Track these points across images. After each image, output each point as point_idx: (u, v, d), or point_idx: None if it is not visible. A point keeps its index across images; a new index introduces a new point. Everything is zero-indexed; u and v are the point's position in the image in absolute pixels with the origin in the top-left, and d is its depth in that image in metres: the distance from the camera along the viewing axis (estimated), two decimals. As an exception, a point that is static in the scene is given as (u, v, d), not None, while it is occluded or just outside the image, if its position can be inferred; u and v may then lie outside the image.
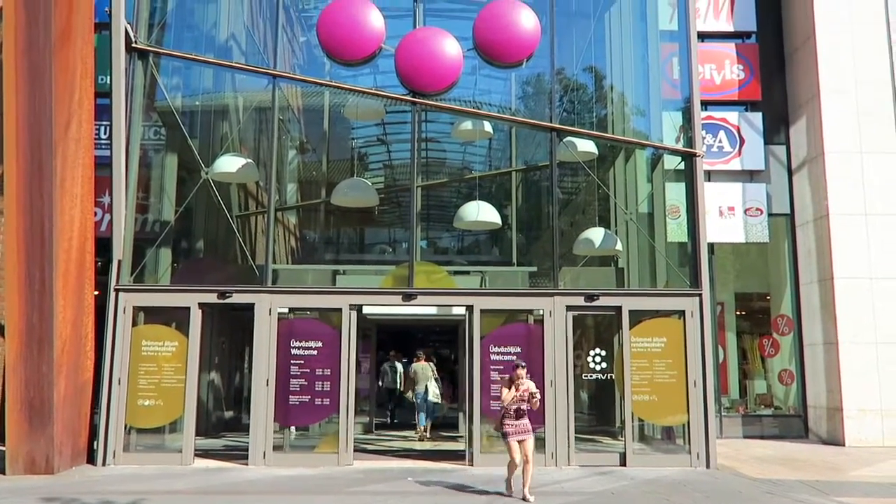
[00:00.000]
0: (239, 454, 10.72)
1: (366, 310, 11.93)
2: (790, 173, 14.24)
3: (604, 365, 10.91)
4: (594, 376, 10.98)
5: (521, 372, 8.47)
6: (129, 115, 10.84)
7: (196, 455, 10.38)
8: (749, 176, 14.14)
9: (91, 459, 10.23)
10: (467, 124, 12.46)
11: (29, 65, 9.35)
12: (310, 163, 16.45)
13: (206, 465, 10.22)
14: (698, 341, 10.65)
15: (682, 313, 10.78)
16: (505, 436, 8.39)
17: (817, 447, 12.62)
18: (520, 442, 8.31)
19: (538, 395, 8.36)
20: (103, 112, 11.38)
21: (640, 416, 10.96)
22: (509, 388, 8.44)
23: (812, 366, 13.58)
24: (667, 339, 10.76)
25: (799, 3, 14.11)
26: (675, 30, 12.54)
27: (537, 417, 10.44)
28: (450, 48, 11.20)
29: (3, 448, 9.67)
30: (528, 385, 8.40)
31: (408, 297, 10.80)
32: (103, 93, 11.16)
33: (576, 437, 10.61)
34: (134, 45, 10.95)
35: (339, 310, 10.65)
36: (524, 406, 8.39)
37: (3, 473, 9.32)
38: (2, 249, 11.78)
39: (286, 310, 10.82)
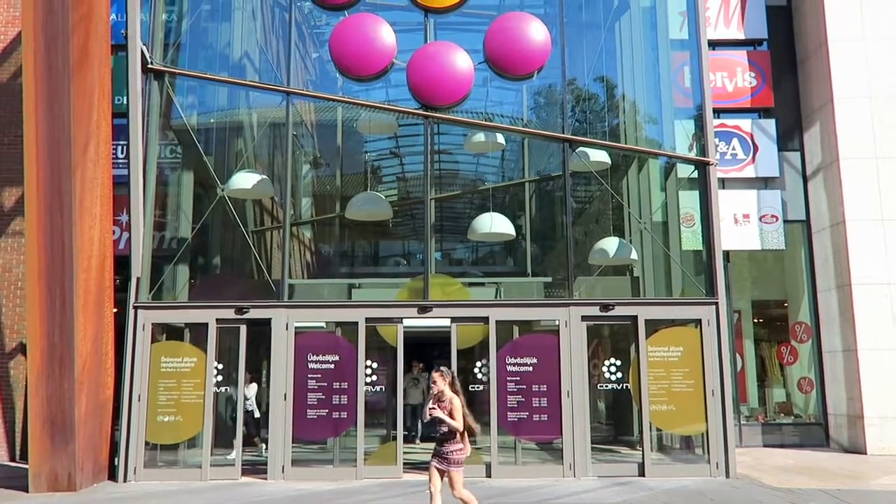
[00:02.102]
0: (258, 468, 10.77)
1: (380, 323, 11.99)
2: (805, 180, 14.17)
3: (620, 375, 10.88)
4: (610, 386, 10.96)
5: (436, 377, 6.92)
6: (146, 134, 11.00)
7: (215, 469, 10.44)
8: (763, 183, 14.08)
9: (112, 476, 10.33)
10: (480, 136, 12.52)
11: (48, 88, 9.52)
12: (324, 177, 16.57)
13: (225, 481, 10.28)
14: (715, 350, 10.61)
15: (698, 322, 10.75)
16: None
17: (838, 456, 12.49)
18: (439, 471, 6.81)
19: (438, 411, 6.72)
20: (121, 132, 11.55)
21: (658, 426, 10.92)
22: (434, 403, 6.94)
23: (832, 373, 13.46)
24: (683, 348, 10.72)
25: (810, 10, 14.09)
26: (686, 38, 12.56)
27: (554, 428, 10.47)
28: (461, 62, 11.28)
29: (25, 466, 9.78)
30: (449, 396, 6.81)
31: (423, 310, 10.84)
32: (120, 113, 11.33)
33: (593, 448, 10.58)
34: (150, 65, 11.13)
35: (356, 323, 10.71)
36: (444, 427, 6.77)
37: (27, 491, 9.43)
38: (23, 269, 11.97)
39: (303, 323, 10.91)
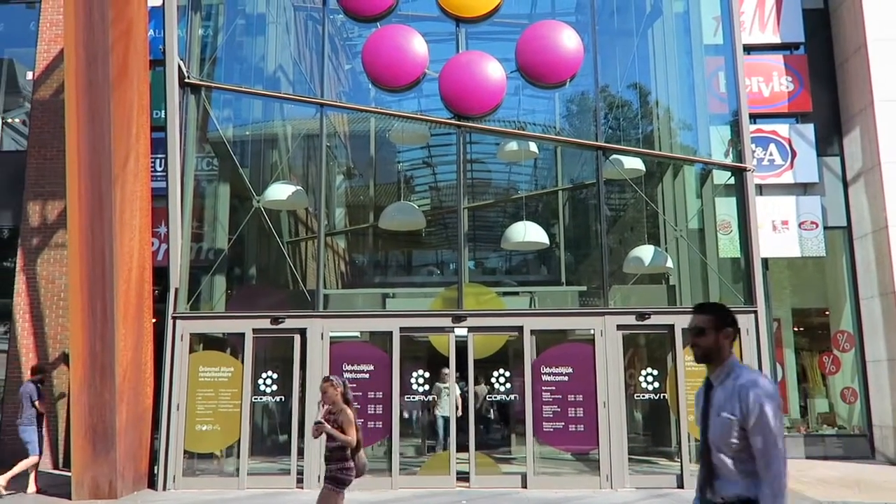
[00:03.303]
0: (293, 478, 10.81)
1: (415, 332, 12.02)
2: (845, 185, 13.88)
3: (657, 384, 10.74)
4: (647, 396, 10.82)
5: (326, 387, 6.30)
6: (184, 147, 11.20)
7: (252, 478, 10.53)
8: (802, 189, 13.82)
9: (151, 484, 10.47)
10: (512, 145, 12.50)
11: (89, 103, 9.74)
12: (357, 187, 16.70)
13: (262, 490, 10.35)
14: (755, 359, 10.42)
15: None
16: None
17: (884, 468, 12.16)
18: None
19: (327, 426, 6.11)
20: (159, 145, 11.77)
21: (697, 437, 10.73)
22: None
23: (876, 383, 13.12)
24: (722, 357, 10.52)
25: (849, 13, 13.84)
26: (721, 43, 12.44)
27: (590, 438, 10.36)
28: (493, 71, 11.30)
29: (68, 474, 9.97)
30: (340, 407, 6.23)
31: (457, 319, 10.83)
32: (158, 127, 11.55)
33: (630, 459, 10.45)
34: (187, 80, 11.33)
35: (390, 333, 10.74)
36: (333, 443, 6.15)
37: (69, 499, 9.59)
38: (65, 281, 12.24)
39: (338, 333, 10.97)
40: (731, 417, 3.32)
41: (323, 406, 6.32)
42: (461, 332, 10.91)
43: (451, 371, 10.83)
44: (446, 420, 11.25)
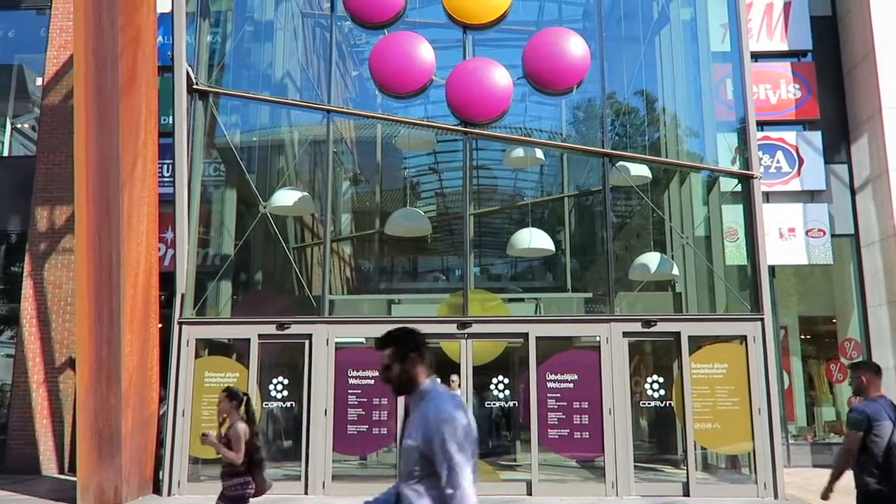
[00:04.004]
0: (299, 483, 10.81)
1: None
2: (853, 193, 13.83)
3: (663, 392, 10.70)
4: (653, 403, 10.77)
5: (221, 398, 5.97)
6: (191, 153, 11.24)
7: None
8: (810, 196, 13.78)
9: (157, 490, 10.47)
10: (519, 151, 12.50)
11: (97, 109, 9.78)
12: (363, 193, 16.73)
13: (268, 495, 10.31)
14: (762, 367, 10.37)
15: (743, 338, 10.52)
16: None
17: (893, 477, 12.06)
18: None
19: (212, 439, 5.79)
20: (166, 151, 11.82)
21: (703, 445, 10.69)
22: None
23: (884, 391, 13.02)
24: (728, 364, 10.50)
25: (857, 20, 13.81)
26: (728, 51, 12.41)
27: (596, 446, 10.32)
28: (500, 77, 11.31)
29: (73, 479, 9.98)
30: (232, 422, 5.87)
31: (463, 326, 10.82)
32: (166, 133, 11.60)
33: (636, 466, 10.40)
34: (195, 86, 11.38)
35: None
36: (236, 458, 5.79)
37: None
38: (72, 286, 12.28)
39: (343, 339, 10.97)
40: (413, 444, 3.09)
41: (221, 418, 5.98)
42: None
43: (462, 377, 10.78)
44: None
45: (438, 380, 3.33)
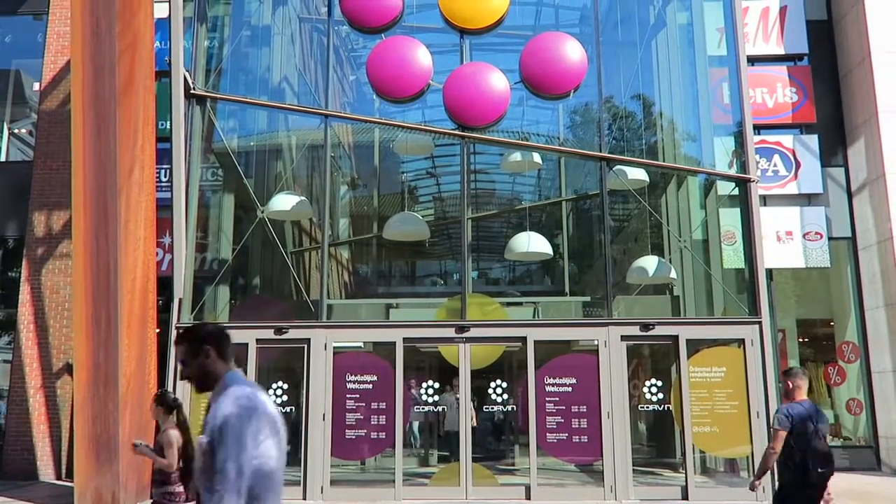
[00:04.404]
0: (296, 488, 10.78)
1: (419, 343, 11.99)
2: (850, 196, 13.86)
3: (661, 395, 10.70)
4: (651, 407, 10.78)
5: (153, 403, 5.92)
6: (189, 158, 11.24)
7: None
8: (807, 199, 13.81)
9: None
10: (516, 156, 12.52)
11: (95, 114, 9.78)
12: (361, 198, 16.73)
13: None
14: (759, 370, 10.38)
15: (741, 342, 10.53)
16: None
17: (890, 479, 12.08)
18: None
19: (143, 445, 5.80)
20: (164, 156, 11.82)
21: (701, 448, 10.70)
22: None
23: (882, 394, 13.05)
24: (726, 368, 10.51)
25: (852, 24, 13.86)
26: (724, 55, 12.45)
27: (594, 449, 10.32)
28: (497, 82, 11.33)
29: (71, 485, 9.96)
30: (165, 427, 5.78)
31: (461, 330, 10.82)
32: (164, 137, 11.60)
33: (634, 470, 10.40)
34: (192, 91, 11.38)
35: (394, 343, 10.73)
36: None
37: (72, 509, 9.59)
38: (70, 291, 12.26)
39: (341, 344, 10.96)
40: (203, 440, 2.90)
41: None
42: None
43: (461, 381, 10.76)
44: (458, 434, 11.03)
45: (240, 371, 3.17)
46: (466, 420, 10.64)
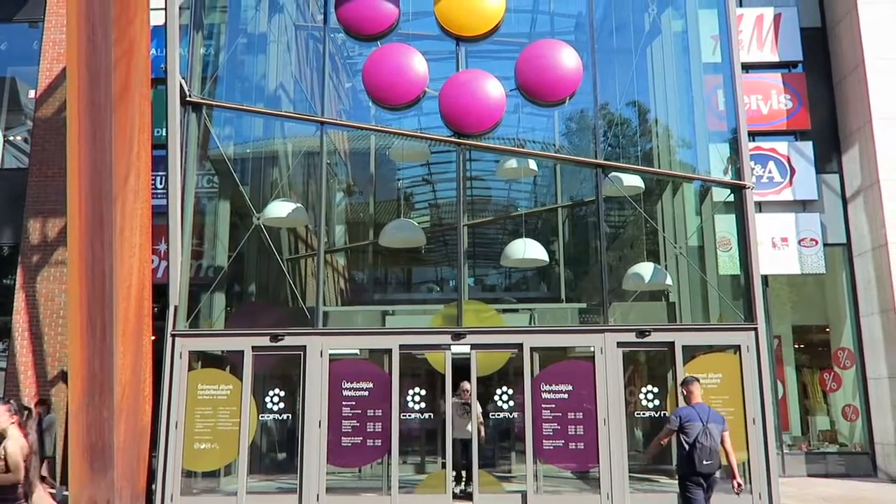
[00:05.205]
0: (292, 496, 10.75)
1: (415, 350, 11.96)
2: (845, 202, 13.92)
3: (657, 402, 10.70)
4: (648, 414, 10.77)
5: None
6: (184, 165, 11.23)
7: (251, 497, 10.45)
8: (802, 206, 13.85)
9: (149, 503, 10.39)
10: (512, 162, 12.53)
11: (90, 121, 9.77)
12: (357, 205, 16.72)
13: (260, 508, 10.27)
14: (755, 376, 10.38)
15: (737, 348, 10.54)
16: None
17: (886, 486, 12.09)
18: None
19: None
20: (159, 163, 11.82)
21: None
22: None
23: (877, 400, 13.08)
24: (722, 374, 10.51)
25: (846, 31, 13.94)
26: (719, 62, 12.48)
27: (591, 456, 10.31)
28: (493, 89, 11.35)
29: (65, 493, 9.91)
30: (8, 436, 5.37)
31: (457, 337, 10.81)
32: (159, 145, 11.60)
33: (631, 477, 10.39)
34: (188, 98, 11.38)
35: (390, 350, 10.72)
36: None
37: (66, 518, 9.54)
38: (65, 298, 12.23)
39: (337, 351, 10.94)
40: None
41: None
42: (458, 349, 10.86)
43: (447, 389, 10.74)
44: (465, 443, 10.81)
45: None
46: (475, 427, 10.68)
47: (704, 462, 7.01)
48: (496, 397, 11.00)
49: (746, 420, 10.24)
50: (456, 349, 10.81)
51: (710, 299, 12.07)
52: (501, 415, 11.05)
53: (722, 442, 7.28)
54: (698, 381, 7.71)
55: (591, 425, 10.41)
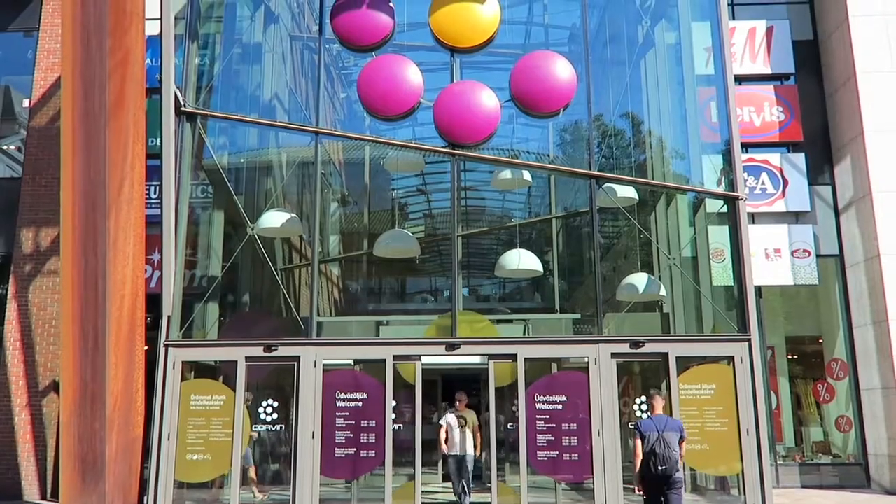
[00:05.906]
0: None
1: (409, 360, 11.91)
2: (837, 214, 13.98)
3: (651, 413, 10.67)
4: (642, 425, 10.74)
5: None
6: (179, 175, 11.21)
7: (243, 509, 10.41)
8: (794, 217, 13.91)
9: (141, 515, 10.33)
10: (506, 173, 12.56)
11: (84, 131, 9.77)
12: (351, 215, 16.71)
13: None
14: (749, 387, 10.40)
15: (731, 359, 10.56)
16: None
17: (880, 497, 12.09)
18: None
19: None
20: (153, 173, 11.79)
21: (692, 466, 10.67)
22: None
23: (870, 411, 13.09)
24: (716, 385, 10.52)
25: (838, 43, 14.04)
26: (712, 74, 12.55)
27: (585, 467, 10.28)
28: (487, 100, 11.39)
29: (56, 504, 9.84)
30: None
31: (451, 347, 10.80)
32: (154, 154, 11.58)
33: (625, 488, 10.36)
34: (183, 108, 11.38)
35: (384, 361, 10.69)
36: None
37: (57, 529, 9.47)
38: (57, 308, 12.17)
39: (331, 361, 10.90)
40: None
41: None
42: (429, 360, 10.76)
43: (417, 400, 10.57)
44: (460, 460, 10.62)
45: None
46: (469, 444, 10.65)
47: (659, 467, 7.73)
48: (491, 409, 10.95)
49: (740, 431, 10.24)
50: (451, 360, 10.79)
51: (703, 310, 12.09)
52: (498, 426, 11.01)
53: (680, 443, 8.02)
54: (660, 394, 8.73)
55: (585, 436, 10.40)
